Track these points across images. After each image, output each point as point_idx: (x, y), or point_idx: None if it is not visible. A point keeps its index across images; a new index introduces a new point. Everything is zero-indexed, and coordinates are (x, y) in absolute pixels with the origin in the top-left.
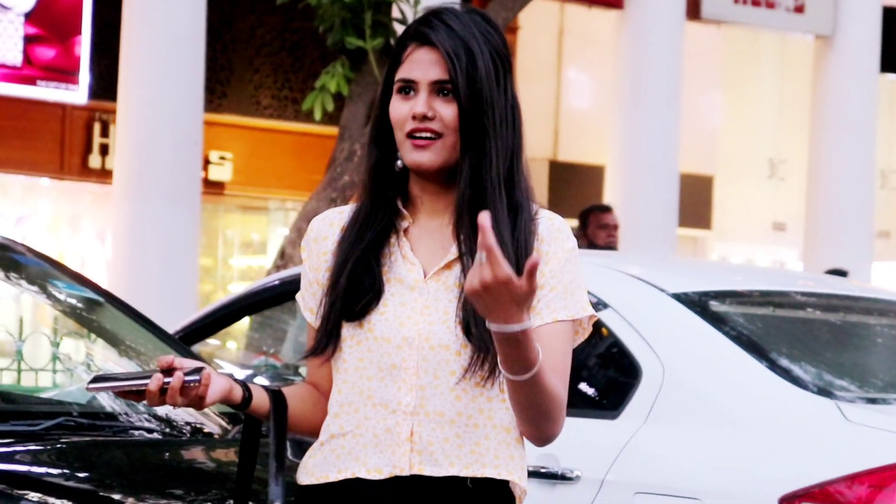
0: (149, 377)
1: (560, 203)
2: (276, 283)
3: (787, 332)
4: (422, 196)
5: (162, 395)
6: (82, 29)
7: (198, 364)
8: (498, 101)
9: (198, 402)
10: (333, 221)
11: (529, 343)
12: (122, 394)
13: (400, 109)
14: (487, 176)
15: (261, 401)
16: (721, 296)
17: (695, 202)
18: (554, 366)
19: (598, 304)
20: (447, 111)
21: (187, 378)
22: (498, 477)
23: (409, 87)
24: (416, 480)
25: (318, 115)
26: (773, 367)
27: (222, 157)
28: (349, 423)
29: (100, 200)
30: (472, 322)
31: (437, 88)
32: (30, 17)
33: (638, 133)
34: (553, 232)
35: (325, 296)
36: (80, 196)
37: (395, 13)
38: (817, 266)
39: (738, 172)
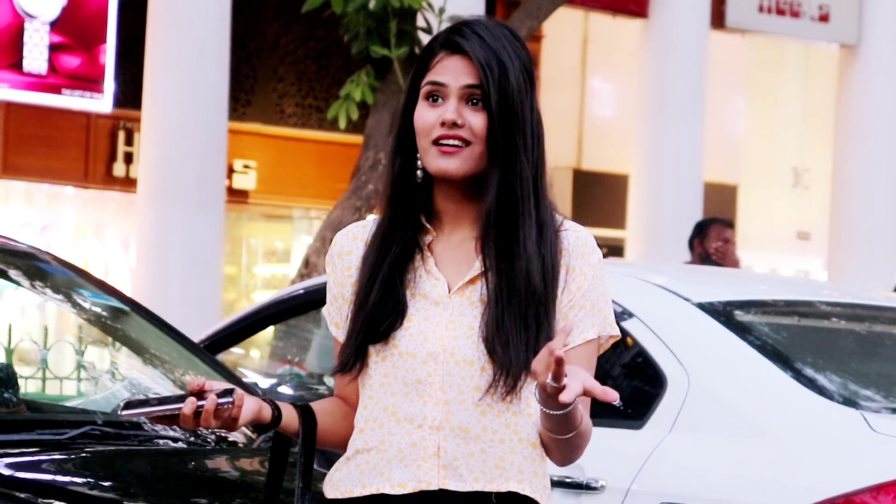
0: (181, 401)
1: (584, 212)
2: (301, 292)
3: (811, 342)
4: (445, 208)
5: (196, 417)
6: (107, 37)
7: (228, 385)
8: (527, 114)
9: (231, 424)
10: (357, 236)
11: (576, 413)
12: (156, 419)
13: (427, 116)
14: (517, 189)
15: (290, 418)
16: (746, 305)
17: (719, 211)
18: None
19: (624, 314)
20: (476, 120)
21: (220, 401)
22: (522, 492)
23: (437, 94)
24: (442, 495)
25: (342, 123)
26: (798, 376)
27: (246, 166)
28: (374, 439)
29: (124, 209)
30: (497, 340)
31: (467, 96)
32: (55, 26)
33: (662, 142)
34: (579, 246)
35: (350, 312)
36: (105, 204)
37: (420, 22)
38: (842, 276)
39: (763, 181)
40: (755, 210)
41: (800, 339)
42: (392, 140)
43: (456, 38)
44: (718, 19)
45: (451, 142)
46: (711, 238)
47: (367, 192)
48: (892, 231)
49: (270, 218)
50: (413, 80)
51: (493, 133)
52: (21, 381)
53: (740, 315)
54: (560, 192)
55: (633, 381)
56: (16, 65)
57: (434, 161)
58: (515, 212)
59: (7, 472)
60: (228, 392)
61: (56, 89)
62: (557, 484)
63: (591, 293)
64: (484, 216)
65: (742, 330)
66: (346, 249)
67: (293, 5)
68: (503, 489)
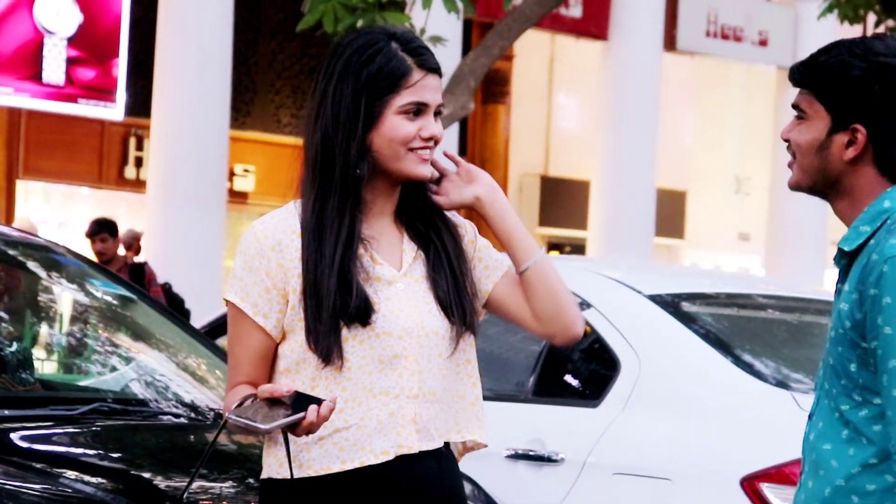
0: (303, 412)
1: (550, 214)
2: None
3: (749, 331)
4: (374, 200)
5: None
6: (120, 52)
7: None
8: None
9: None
10: (287, 229)
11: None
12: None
13: (408, 128)
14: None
15: None
16: (691, 297)
17: (670, 214)
18: None
19: (583, 304)
20: (440, 129)
21: (332, 406)
22: (464, 439)
23: (418, 110)
24: (419, 456)
25: None
26: (737, 361)
27: (246, 170)
28: (354, 417)
29: (134, 208)
30: (454, 309)
31: (436, 111)
32: (72, 41)
33: (620, 152)
34: (465, 224)
35: (302, 303)
36: (117, 204)
37: None
38: (777, 272)
39: (708, 188)
40: (701, 213)
41: (739, 328)
42: (343, 143)
43: (428, 58)
44: (670, 42)
45: (426, 153)
46: None
47: None
48: (821, 233)
49: None
50: (371, 91)
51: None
52: (37, 363)
53: (686, 306)
54: (529, 197)
55: (590, 365)
56: (36, 76)
57: (413, 166)
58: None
59: (23, 444)
60: (310, 397)
61: (73, 99)
62: (522, 456)
63: (490, 248)
64: (423, 210)
65: (688, 319)
66: (283, 243)
67: (288, 25)
68: (458, 440)
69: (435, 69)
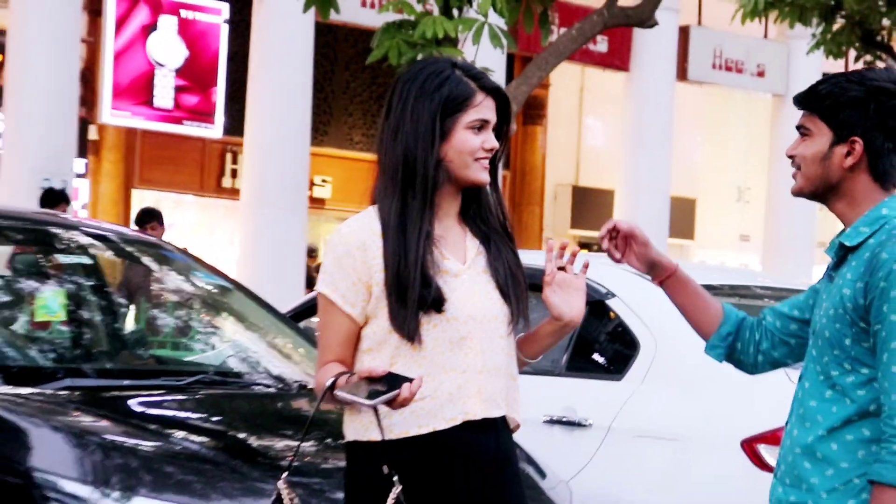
0: (396, 389)
1: (580, 218)
2: None
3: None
4: (442, 204)
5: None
6: (218, 81)
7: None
8: None
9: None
10: (371, 230)
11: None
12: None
13: (474, 141)
14: (499, 188)
15: None
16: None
17: (681, 219)
18: None
19: (608, 294)
20: (496, 143)
21: (420, 383)
22: (511, 417)
23: (481, 126)
24: (483, 423)
25: None
26: None
27: (324, 180)
28: (427, 390)
29: (230, 213)
30: (509, 292)
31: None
32: (179, 72)
33: (639, 165)
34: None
35: (385, 293)
36: (216, 209)
37: None
38: (773, 268)
39: (714, 196)
40: (708, 218)
41: None
42: (423, 154)
43: (489, 83)
44: (682, 73)
45: (486, 162)
46: None
47: None
48: (811, 235)
49: (342, 220)
50: (443, 111)
51: (497, 155)
52: (150, 342)
53: None
54: (562, 203)
55: (613, 345)
56: (148, 102)
57: (477, 174)
58: (500, 205)
59: (139, 409)
60: (401, 377)
61: (179, 121)
62: (556, 422)
63: None
64: (486, 213)
65: None
66: (367, 243)
67: (360, 59)
68: (503, 414)
69: (492, 91)
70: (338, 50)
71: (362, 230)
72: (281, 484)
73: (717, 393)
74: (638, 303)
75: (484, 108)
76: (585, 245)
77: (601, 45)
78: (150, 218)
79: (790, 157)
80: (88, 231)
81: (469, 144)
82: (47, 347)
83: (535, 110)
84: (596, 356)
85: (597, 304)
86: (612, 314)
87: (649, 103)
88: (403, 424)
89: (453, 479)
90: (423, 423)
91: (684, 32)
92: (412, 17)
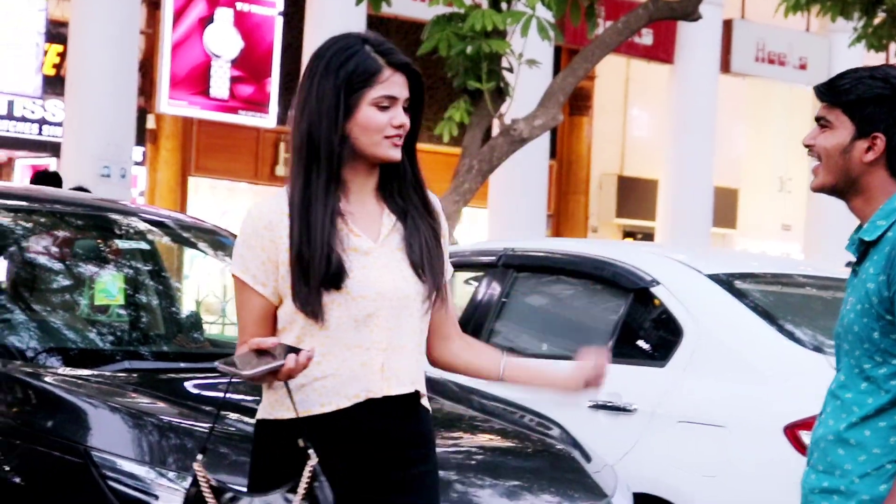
0: (281, 360)
1: (625, 207)
2: None
3: (790, 304)
4: (353, 180)
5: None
6: (272, 72)
7: (279, 341)
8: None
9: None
10: (278, 210)
11: None
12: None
13: (380, 118)
14: (417, 165)
15: None
16: (743, 276)
17: (724, 208)
18: None
19: (653, 282)
20: (407, 119)
21: (310, 355)
22: (420, 392)
23: (387, 104)
24: (385, 401)
25: (446, 138)
26: (781, 330)
27: None
28: (330, 367)
29: None
30: (424, 268)
31: (404, 104)
32: (235, 63)
33: (683, 156)
34: (436, 200)
35: (291, 271)
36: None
37: (505, 63)
38: (814, 256)
39: (757, 186)
40: (751, 208)
41: (782, 302)
42: (327, 131)
43: (398, 58)
44: (726, 66)
45: (397, 139)
46: None
47: (464, 190)
48: (852, 224)
49: None
50: (347, 86)
51: (416, 129)
52: (206, 326)
53: (739, 283)
54: (607, 193)
55: (658, 332)
56: (205, 92)
57: (386, 151)
58: (417, 181)
59: (195, 390)
60: (291, 347)
61: (234, 110)
62: (602, 407)
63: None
64: (405, 185)
65: (740, 294)
66: (273, 223)
67: (411, 50)
68: (413, 391)
69: (402, 67)
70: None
71: (270, 210)
72: (196, 466)
73: (759, 379)
74: (682, 290)
75: (391, 83)
76: (630, 234)
77: (646, 37)
78: None
79: (808, 146)
80: (146, 217)
81: (374, 121)
82: (106, 331)
83: (581, 101)
84: (640, 343)
85: (641, 292)
86: (656, 301)
87: (693, 95)
88: (306, 402)
89: (360, 457)
90: (326, 400)
91: (728, 26)
92: (462, 10)
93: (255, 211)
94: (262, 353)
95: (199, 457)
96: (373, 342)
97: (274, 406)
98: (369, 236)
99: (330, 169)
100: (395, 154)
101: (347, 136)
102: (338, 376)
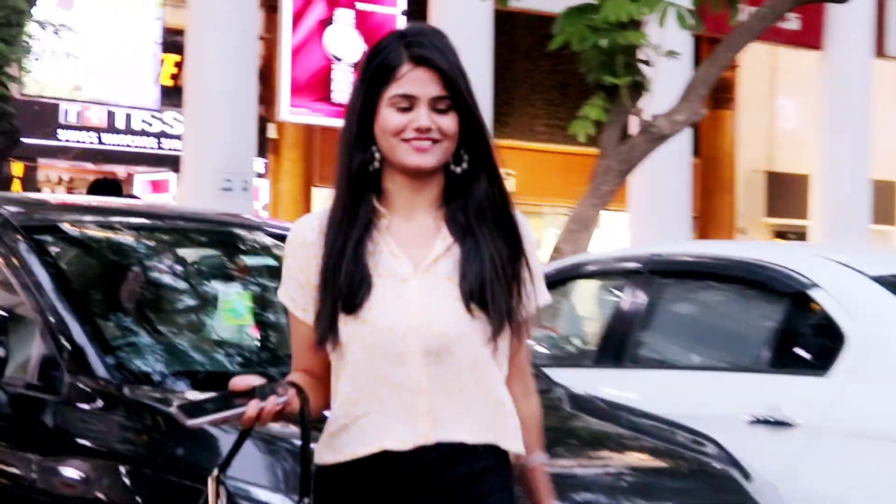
0: (243, 406)
1: (775, 205)
2: (553, 271)
3: None
4: (398, 193)
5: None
6: None
7: (263, 381)
8: (480, 114)
9: (287, 418)
10: (315, 227)
11: None
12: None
13: (396, 119)
14: (499, 182)
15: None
16: None
17: (883, 203)
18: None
19: (812, 285)
20: (445, 122)
21: (279, 400)
22: (508, 448)
23: (407, 104)
24: (437, 448)
25: (581, 137)
26: None
27: (507, 173)
28: (371, 405)
29: None
30: (478, 302)
31: (434, 104)
32: (356, 66)
33: (836, 148)
34: (526, 225)
35: (318, 293)
36: None
37: (641, 56)
38: None
39: None
40: None
41: None
42: (349, 136)
43: (419, 51)
44: (880, 49)
45: (423, 143)
46: None
47: (602, 192)
48: None
49: (526, 214)
50: (370, 85)
51: (466, 133)
52: None
53: None
54: (755, 191)
55: (818, 339)
56: (327, 98)
57: (406, 157)
58: (504, 200)
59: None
60: (272, 388)
61: None
62: (761, 422)
63: (537, 266)
64: (467, 204)
65: None
66: (309, 240)
67: (540, 46)
68: (485, 441)
69: (426, 62)
70: (516, 38)
71: (307, 228)
72: (210, 482)
73: None
74: (844, 293)
75: (410, 80)
76: (781, 234)
77: (792, 22)
78: None
79: None
80: (271, 231)
81: (389, 123)
82: (234, 352)
83: (723, 94)
84: (798, 351)
85: (799, 296)
86: (815, 306)
87: (845, 82)
88: (351, 444)
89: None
90: (370, 440)
91: (881, 5)
92: (595, 2)
93: (294, 228)
94: (245, 394)
95: (215, 472)
96: (413, 382)
97: (320, 453)
98: (411, 260)
99: (361, 178)
100: (420, 160)
101: (374, 141)
102: (381, 413)
